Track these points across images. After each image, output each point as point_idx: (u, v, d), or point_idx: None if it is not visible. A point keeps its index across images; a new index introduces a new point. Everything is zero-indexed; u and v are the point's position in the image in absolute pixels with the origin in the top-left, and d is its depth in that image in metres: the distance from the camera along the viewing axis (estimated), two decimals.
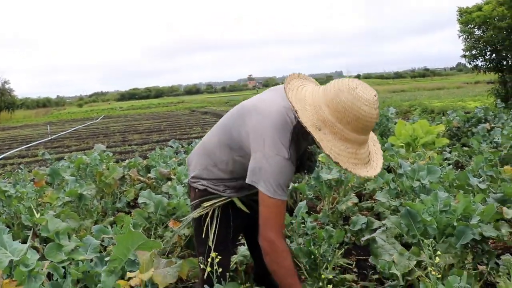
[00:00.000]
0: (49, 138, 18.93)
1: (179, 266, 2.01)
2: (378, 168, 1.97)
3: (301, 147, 2.13)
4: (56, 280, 2.21)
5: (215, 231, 2.25)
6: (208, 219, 2.27)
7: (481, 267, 2.85)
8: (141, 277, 1.96)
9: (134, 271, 1.99)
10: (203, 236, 2.26)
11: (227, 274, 2.36)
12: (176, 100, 61.58)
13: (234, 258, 3.12)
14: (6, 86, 48.97)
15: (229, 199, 2.29)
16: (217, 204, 2.27)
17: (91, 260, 2.39)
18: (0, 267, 1.81)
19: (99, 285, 1.88)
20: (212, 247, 2.19)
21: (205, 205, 2.26)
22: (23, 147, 16.17)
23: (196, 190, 2.29)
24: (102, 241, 3.15)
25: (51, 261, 2.11)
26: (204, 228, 2.26)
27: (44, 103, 71.44)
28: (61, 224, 2.09)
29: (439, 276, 1.95)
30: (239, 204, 2.29)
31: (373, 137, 2.14)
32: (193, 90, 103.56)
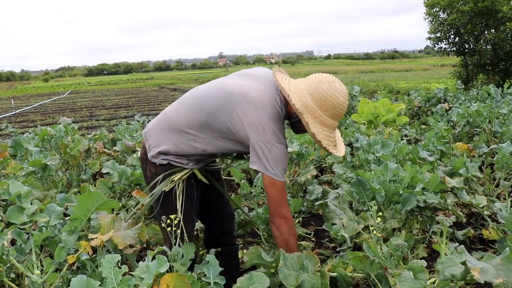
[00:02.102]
0: (13, 113, 18.49)
1: (139, 229, 2.10)
2: (343, 150, 2.32)
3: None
4: (20, 245, 2.28)
5: (182, 203, 2.34)
6: (178, 191, 2.33)
7: (427, 235, 3.06)
8: (102, 238, 2.05)
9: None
10: (167, 207, 2.32)
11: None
12: (145, 77, 60.68)
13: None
14: None
15: (191, 171, 2.36)
16: (184, 177, 2.34)
17: (55, 227, 2.46)
18: None
19: (60, 244, 1.95)
20: (181, 217, 2.28)
21: (174, 178, 2.31)
22: None
23: (157, 164, 2.32)
24: (66, 209, 3.22)
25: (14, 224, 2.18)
26: (166, 200, 2.32)
27: (7, 77, 69.17)
28: (23, 187, 2.15)
29: (380, 236, 2.11)
30: (200, 175, 2.40)
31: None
32: (162, 67, 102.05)
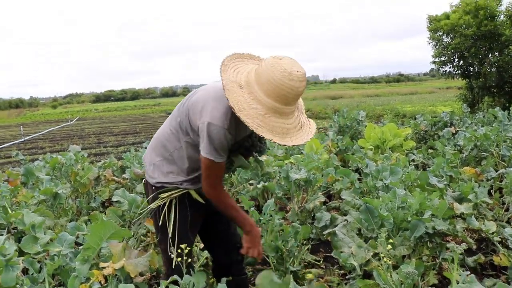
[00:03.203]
0: (22, 140, 18.68)
1: (150, 256, 2.13)
2: (296, 141, 2.06)
3: (246, 130, 2.25)
4: (32, 274, 2.31)
5: (174, 221, 2.33)
6: (165, 208, 2.34)
7: (437, 262, 3.06)
8: (114, 267, 2.08)
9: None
10: (161, 227, 2.34)
11: (190, 262, 2.50)
12: (152, 103, 61.19)
13: (205, 253, 3.24)
14: None
15: (185, 191, 2.36)
16: (174, 195, 2.35)
17: (66, 256, 2.49)
18: None
19: (73, 273, 1.98)
20: (170, 236, 2.29)
21: (162, 196, 2.35)
22: None
23: (153, 187, 2.38)
24: (77, 237, 3.25)
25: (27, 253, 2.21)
26: (161, 218, 2.34)
27: (17, 104, 70.03)
28: (37, 218, 2.19)
29: (390, 263, 2.12)
30: (195, 195, 2.36)
31: (306, 123, 2.21)
32: (169, 93, 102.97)
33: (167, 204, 2.37)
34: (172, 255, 2.25)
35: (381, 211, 2.70)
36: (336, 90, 54.62)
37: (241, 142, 2.33)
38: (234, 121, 2.10)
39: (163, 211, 2.36)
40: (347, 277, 3.16)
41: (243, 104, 1.96)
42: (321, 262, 3.73)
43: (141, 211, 2.55)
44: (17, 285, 2.02)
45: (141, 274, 3.33)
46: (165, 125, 2.43)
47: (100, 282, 2.13)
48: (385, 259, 2.08)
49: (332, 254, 2.83)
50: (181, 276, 2.08)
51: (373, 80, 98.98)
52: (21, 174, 4.85)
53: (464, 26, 13.38)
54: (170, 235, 2.30)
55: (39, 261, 2.71)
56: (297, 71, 1.94)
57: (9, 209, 4.22)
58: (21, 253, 2.55)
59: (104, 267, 2.07)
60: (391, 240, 2.20)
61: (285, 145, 2.01)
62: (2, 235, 3.51)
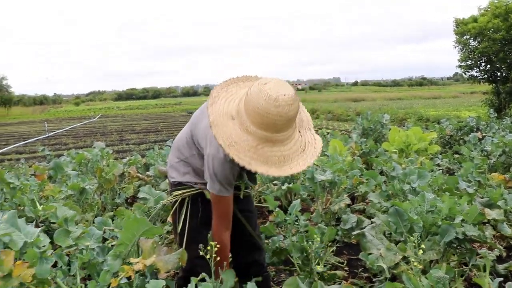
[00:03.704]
0: (47, 136, 19.02)
1: (179, 254, 2.14)
2: (290, 170, 1.90)
3: None
4: (60, 267, 2.34)
5: (185, 217, 2.37)
6: (177, 205, 2.41)
7: (463, 267, 3.01)
8: (144, 263, 2.09)
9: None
10: (178, 225, 2.40)
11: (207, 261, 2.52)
12: (173, 102, 61.68)
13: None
14: (4, 82, 48.93)
15: (199, 190, 2.37)
16: (187, 194, 2.37)
17: (94, 250, 2.53)
18: (15, 248, 1.94)
19: (105, 268, 2.00)
20: (179, 231, 2.36)
21: (175, 194, 2.40)
22: (20, 143, 16.25)
23: (172, 185, 2.45)
24: (104, 232, 3.29)
25: (59, 247, 2.24)
26: (171, 214, 2.43)
27: (41, 101, 71.35)
28: (69, 211, 2.22)
29: (420, 267, 2.09)
30: (208, 195, 2.32)
31: (309, 148, 2.02)
32: (190, 92, 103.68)
33: (179, 201, 2.43)
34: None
35: (410, 215, 2.66)
36: (357, 93, 54.25)
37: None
38: None
39: (174, 207, 2.44)
40: (373, 280, 3.13)
41: (234, 138, 1.84)
42: (344, 264, 3.70)
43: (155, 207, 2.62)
44: (50, 277, 2.05)
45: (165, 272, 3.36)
46: (184, 131, 2.47)
47: (128, 278, 2.15)
48: (415, 263, 2.05)
49: (359, 256, 2.81)
50: (195, 274, 2.08)
51: (395, 84, 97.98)
52: (49, 168, 4.94)
53: (492, 29, 13.15)
54: (179, 230, 2.36)
55: (67, 255, 2.75)
56: (284, 95, 1.78)
57: (37, 203, 4.30)
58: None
59: (134, 263, 2.09)
60: (422, 245, 2.16)
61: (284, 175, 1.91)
62: None
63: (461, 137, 8.21)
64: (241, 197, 2.45)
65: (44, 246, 1.97)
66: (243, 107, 1.85)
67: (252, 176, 2.43)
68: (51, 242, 2.30)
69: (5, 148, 14.57)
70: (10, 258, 2.01)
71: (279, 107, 1.76)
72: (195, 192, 2.37)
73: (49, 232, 3.32)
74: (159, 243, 2.91)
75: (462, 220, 2.79)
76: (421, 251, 2.08)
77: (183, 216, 2.40)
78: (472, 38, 13.79)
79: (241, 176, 2.33)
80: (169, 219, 3.66)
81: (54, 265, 2.46)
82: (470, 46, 13.89)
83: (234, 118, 1.87)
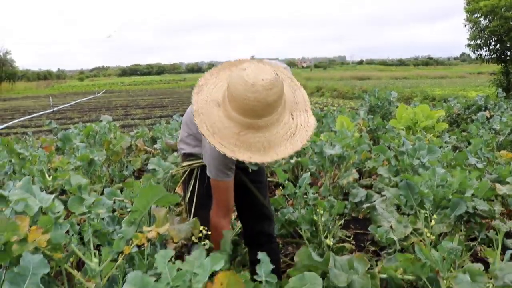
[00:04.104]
0: (52, 110, 19.03)
1: (192, 223, 2.15)
2: (276, 156, 1.80)
3: None
4: (72, 235, 2.36)
5: (194, 187, 2.39)
6: (186, 175, 2.43)
7: (470, 242, 3.02)
8: (158, 231, 2.11)
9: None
10: (188, 195, 2.43)
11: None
12: (178, 78, 61.45)
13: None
14: (8, 56, 48.72)
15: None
16: (197, 164, 2.38)
17: (104, 220, 2.54)
18: (30, 213, 1.95)
19: (119, 235, 2.02)
20: (187, 200, 2.39)
21: (183, 164, 2.43)
22: (25, 117, 16.28)
23: (183, 155, 2.49)
24: (114, 202, 3.31)
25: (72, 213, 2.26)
26: (186, 185, 2.43)
27: (45, 76, 71.19)
28: (82, 179, 2.23)
29: (433, 238, 2.10)
30: None
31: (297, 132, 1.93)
32: (195, 69, 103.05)
33: (187, 171, 2.45)
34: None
35: (421, 188, 2.66)
36: (363, 71, 53.82)
37: None
38: None
39: (183, 177, 2.47)
40: (383, 252, 3.15)
41: (217, 125, 1.79)
42: (351, 238, 3.73)
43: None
44: (64, 243, 2.07)
45: (174, 242, 3.39)
46: (191, 107, 2.45)
47: (139, 246, 2.17)
48: (428, 234, 2.06)
49: (368, 229, 2.82)
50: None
51: (401, 63, 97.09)
52: (58, 139, 4.95)
53: (505, 8, 12.90)
54: (187, 199, 2.38)
55: (78, 224, 2.77)
56: (262, 79, 1.71)
57: (46, 174, 4.32)
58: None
59: (148, 231, 2.11)
60: (435, 216, 2.16)
61: (268, 162, 1.79)
62: None
63: (469, 115, 8.17)
64: (250, 170, 2.44)
65: (59, 212, 1.98)
66: (226, 93, 1.80)
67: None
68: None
69: (11, 122, 14.61)
70: (26, 223, 2.03)
71: (256, 93, 1.70)
72: (203, 163, 2.37)
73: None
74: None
75: (472, 195, 2.79)
76: (433, 221, 2.08)
77: (191, 185, 2.41)
78: (483, 16, 13.55)
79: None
80: (178, 190, 3.68)
81: (66, 233, 2.49)
82: (481, 25, 13.67)
83: (220, 104, 1.82)
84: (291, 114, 1.90)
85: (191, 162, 2.43)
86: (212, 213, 2.25)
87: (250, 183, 2.48)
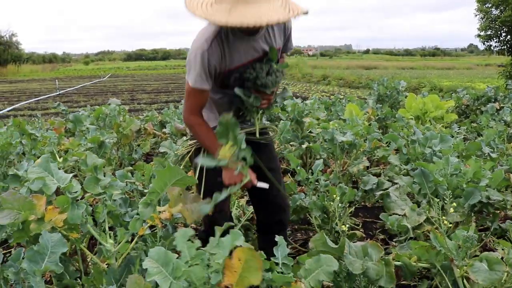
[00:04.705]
0: (58, 93, 19.05)
1: (207, 203, 2.14)
2: (260, 20, 1.76)
3: (239, 48, 2.12)
4: (85, 216, 2.37)
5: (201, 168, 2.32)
6: (192, 154, 2.42)
7: (482, 233, 3.02)
8: (171, 211, 2.11)
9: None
10: (198, 177, 2.35)
11: (227, 214, 2.52)
12: (183, 63, 61.19)
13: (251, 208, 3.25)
14: (14, 39, 48.68)
15: None
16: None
17: (117, 201, 2.55)
18: (48, 192, 1.96)
19: (135, 216, 2.02)
20: (197, 182, 2.33)
21: (188, 143, 2.42)
22: (32, 99, 16.31)
23: (190, 135, 2.49)
24: (126, 185, 3.32)
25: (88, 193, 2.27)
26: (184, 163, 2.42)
27: (50, 59, 71.11)
28: (98, 160, 2.23)
29: (450, 226, 2.10)
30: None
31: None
32: None
33: (194, 149, 2.42)
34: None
35: (435, 176, 2.65)
36: (369, 61, 53.46)
37: (239, 72, 2.17)
38: (221, 45, 2.05)
39: (189, 156, 2.46)
40: (393, 240, 3.16)
41: (208, 6, 1.85)
42: (360, 226, 3.73)
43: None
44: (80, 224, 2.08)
45: (185, 225, 3.41)
46: None
47: (151, 227, 2.18)
48: (445, 221, 2.06)
49: (380, 216, 2.81)
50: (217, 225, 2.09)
51: (408, 53, 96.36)
52: (69, 120, 4.96)
53: None
54: (196, 181, 2.31)
55: (91, 205, 2.78)
56: None
57: (56, 155, 4.33)
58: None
59: (161, 211, 2.11)
60: (454, 204, 2.16)
61: (260, 25, 1.78)
62: None
63: (478, 107, 8.11)
64: (257, 135, 2.30)
65: (76, 192, 1.98)
66: None
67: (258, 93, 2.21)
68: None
69: (18, 104, 14.64)
70: (42, 203, 2.03)
71: None
72: None
73: None
74: None
75: (486, 185, 2.78)
76: (452, 209, 2.07)
77: (198, 167, 2.35)
78: (494, 7, 13.39)
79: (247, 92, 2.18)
80: (190, 174, 3.69)
81: None
82: (492, 15, 13.52)
83: None
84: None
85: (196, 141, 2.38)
86: (184, 112, 2.24)
87: (262, 171, 2.36)
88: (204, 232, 2.55)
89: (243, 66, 2.15)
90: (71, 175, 2.04)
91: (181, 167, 2.38)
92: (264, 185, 2.21)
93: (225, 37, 2.06)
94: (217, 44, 2.04)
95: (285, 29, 2.28)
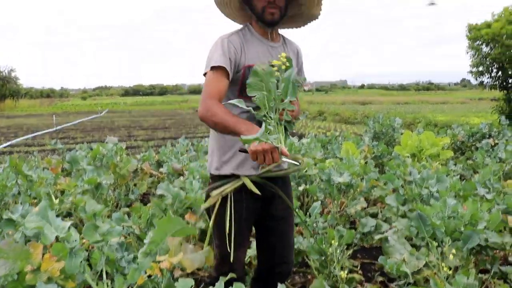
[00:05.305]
0: (55, 129, 19.09)
1: (207, 252, 2.14)
2: None
3: (257, 47, 2.17)
4: (81, 262, 2.34)
5: (225, 217, 2.15)
6: (216, 208, 2.17)
7: (482, 275, 3.00)
8: (171, 260, 2.09)
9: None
10: (217, 227, 2.22)
11: (243, 268, 2.35)
12: (180, 99, 61.77)
13: (249, 252, 3.22)
14: (12, 74, 49.06)
15: (239, 182, 2.14)
16: (227, 191, 2.14)
17: (113, 246, 2.53)
18: (46, 242, 1.94)
19: (134, 266, 2.01)
20: (228, 232, 2.14)
21: (213, 194, 2.16)
22: (29, 135, 16.32)
23: (210, 177, 2.28)
24: (123, 228, 3.30)
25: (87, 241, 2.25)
26: (214, 215, 2.17)
27: (48, 94, 71.73)
28: (97, 206, 2.23)
29: (449, 272, 2.09)
30: (249, 185, 2.10)
31: None
32: (197, 90, 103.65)
33: (220, 200, 2.19)
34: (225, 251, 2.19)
35: (433, 219, 2.65)
36: (364, 96, 54.09)
37: None
38: (241, 38, 2.12)
39: (216, 207, 2.19)
40: (392, 284, 3.12)
41: None
42: (358, 268, 3.70)
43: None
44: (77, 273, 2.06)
45: (182, 270, 3.37)
46: None
47: (150, 276, 2.16)
48: (445, 268, 2.05)
49: (378, 260, 2.80)
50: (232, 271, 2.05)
51: (402, 88, 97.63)
52: (66, 161, 4.96)
53: (506, 36, 13.04)
54: (211, 226, 2.18)
55: (86, 250, 2.75)
56: None
57: (52, 196, 4.32)
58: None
59: (161, 261, 2.10)
60: (454, 251, 2.15)
61: None
62: None
63: (473, 143, 8.19)
64: (284, 145, 1.89)
65: (75, 241, 1.97)
66: None
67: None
68: None
69: (14, 140, 14.64)
70: (39, 251, 2.02)
71: None
72: (235, 186, 2.13)
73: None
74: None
75: (485, 227, 2.78)
76: (451, 256, 2.07)
77: (220, 213, 2.18)
78: (484, 44, 13.68)
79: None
80: (187, 217, 3.67)
81: None
82: (483, 52, 13.79)
83: None
84: None
85: (224, 188, 2.14)
86: (199, 108, 2.04)
87: (273, 220, 2.31)
88: (215, 280, 2.41)
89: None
90: (69, 223, 2.02)
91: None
92: (289, 161, 1.90)
93: (244, 35, 2.14)
94: (237, 37, 2.12)
95: (297, 59, 2.39)
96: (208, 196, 2.24)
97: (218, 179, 2.21)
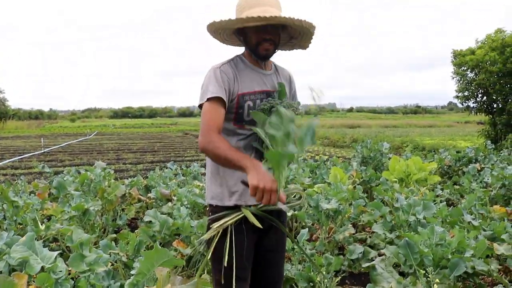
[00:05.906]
0: (42, 151, 18.92)
1: (194, 285, 2.13)
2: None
3: (250, 76, 2.18)
4: None
5: (224, 250, 2.03)
6: (216, 240, 2.05)
7: None
8: None
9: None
10: (216, 261, 2.10)
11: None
12: (169, 122, 61.76)
13: None
14: (0, 95, 48.83)
15: (240, 215, 2.08)
16: (228, 223, 2.06)
17: (100, 275, 2.51)
18: (31, 272, 1.92)
19: None
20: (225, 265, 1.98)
21: (214, 226, 2.05)
22: (16, 158, 16.15)
23: (209, 209, 2.21)
24: (110, 255, 3.27)
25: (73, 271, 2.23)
26: (212, 248, 2.05)
27: (36, 115, 71.29)
28: (84, 235, 2.22)
29: None
30: (250, 217, 2.02)
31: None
32: (186, 113, 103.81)
33: (220, 232, 2.08)
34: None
35: (420, 247, 2.67)
36: (353, 119, 54.52)
37: (252, 101, 2.13)
38: (233, 68, 2.12)
39: (215, 241, 2.07)
40: None
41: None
42: None
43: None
44: None
45: None
46: None
47: None
48: None
49: None
50: None
51: (390, 111, 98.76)
52: (53, 186, 4.91)
53: (489, 62, 13.37)
54: (225, 264, 2.00)
55: (72, 279, 2.72)
56: None
57: (39, 222, 4.27)
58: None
59: None
60: (437, 280, 2.17)
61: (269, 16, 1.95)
62: None
63: (460, 168, 8.28)
64: (285, 207, 1.91)
65: (61, 271, 1.96)
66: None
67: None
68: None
69: (1, 163, 14.47)
70: (23, 282, 2.00)
71: None
72: (235, 219, 2.07)
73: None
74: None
75: (472, 255, 2.81)
76: (436, 285, 2.09)
77: (219, 247, 2.07)
78: (469, 70, 14.00)
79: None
80: (175, 243, 3.65)
81: None
82: (468, 78, 14.11)
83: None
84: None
85: (225, 220, 2.07)
86: (199, 139, 2.04)
87: (266, 252, 2.25)
88: None
89: (254, 94, 2.14)
90: (56, 253, 2.01)
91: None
92: (284, 207, 1.90)
93: (236, 65, 2.15)
94: (228, 66, 2.13)
95: (290, 84, 2.38)
96: (209, 228, 2.14)
97: (216, 210, 2.16)
